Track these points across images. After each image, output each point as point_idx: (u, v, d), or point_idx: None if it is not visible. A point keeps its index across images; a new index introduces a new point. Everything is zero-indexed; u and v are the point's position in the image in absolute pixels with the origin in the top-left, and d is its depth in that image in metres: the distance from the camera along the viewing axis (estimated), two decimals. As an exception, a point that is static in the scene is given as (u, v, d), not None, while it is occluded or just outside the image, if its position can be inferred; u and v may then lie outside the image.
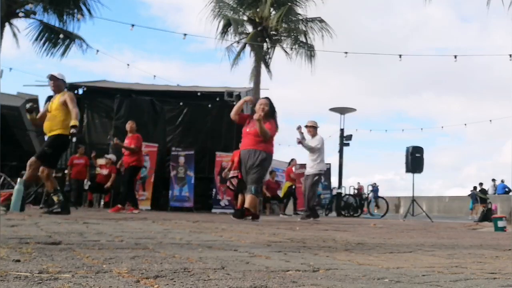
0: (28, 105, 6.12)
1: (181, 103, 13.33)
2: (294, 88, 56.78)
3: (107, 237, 2.72)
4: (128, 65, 19.39)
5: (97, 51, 13.99)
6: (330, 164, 14.88)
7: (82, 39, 14.02)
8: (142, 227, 3.87)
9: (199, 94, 12.97)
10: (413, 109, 60.58)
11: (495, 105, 50.69)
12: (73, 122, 5.74)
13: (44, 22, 13.87)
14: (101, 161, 10.95)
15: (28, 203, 8.85)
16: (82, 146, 10.79)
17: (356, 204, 13.84)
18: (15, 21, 13.88)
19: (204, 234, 3.30)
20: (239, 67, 17.95)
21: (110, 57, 62.91)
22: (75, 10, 13.77)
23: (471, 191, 17.36)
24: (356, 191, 14.42)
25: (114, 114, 11.71)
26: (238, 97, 12.64)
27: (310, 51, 15.63)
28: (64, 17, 13.87)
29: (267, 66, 16.13)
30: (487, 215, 11.11)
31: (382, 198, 15.07)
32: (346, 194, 14.43)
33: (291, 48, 15.90)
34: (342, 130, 14.42)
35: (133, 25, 11.82)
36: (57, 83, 5.95)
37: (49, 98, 6.05)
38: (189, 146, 12.60)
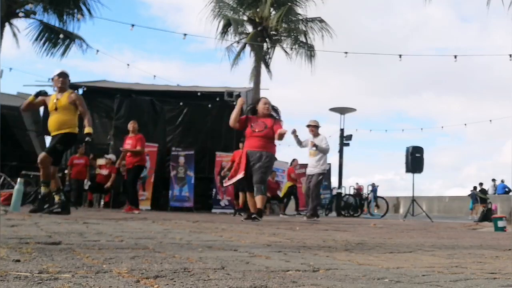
0: (42, 91, 5.99)
1: (181, 103, 13.33)
2: (294, 88, 56.76)
3: (107, 237, 2.72)
4: (128, 65, 19.43)
5: (97, 51, 14.02)
6: (330, 164, 14.88)
7: (82, 39, 14.04)
8: (142, 227, 3.87)
9: (199, 94, 12.97)
10: (413, 109, 60.56)
11: (495, 105, 50.68)
12: (88, 129, 5.86)
13: (44, 22, 13.88)
14: (101, 161, 10.95)
15: (28, 203, 8.85)
16: (82, 146, 10.78)
17: (356, 204, 13.84)
18: (15, 21, 13.90)
19: (204, 234, 3.31)
20: (239, 67, 17.97)
21: (110, 57, 62.92)
22: (75, 10, 13.77)
23: (471, 191, 17.36)
24: (355, 191, 14.42)
25: (114, 114, 11.70)
26: (238, 97, 12.64)
27: (310, 51, 15.64)
28: (64, 17, 13.87)
29: (267, 66, 16.14)
30: (487, 215, 11.11)
31: (382, 198, 15.07)
32: (346, 194, 14.42)
33: (291, 48, 15.91)
34: (342, 130, 14.42)
35: (133, 25, 11.83)
36: (65, 81, 5.97)
37: (38, 94, 5.92)
38: (189, 146, 12.60)
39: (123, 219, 5.03)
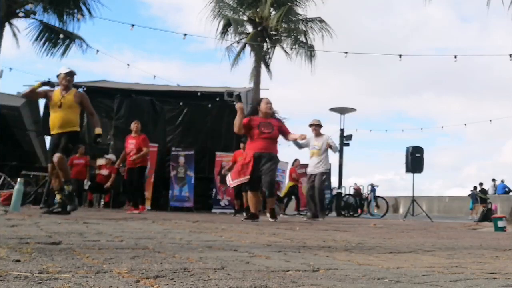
0: (50, 81, 5.91)
1: (181, 103, 13.33)
2: (294, 88, 56.77)
3: (107, 237, 2.72)
4: (128, 65, 19.42)
5: (97, 51, 14.01)
6: (330, 164, 14.87)
7: (82, 39, 14.03)
8: (142, 227, 3.87)
9: (199, 94, 12.97)
10: (413, 109, 60.57)
11: (495, 105, 50.68)
12: (99, 130, 5.91)
13: (44, 22, 13.87)
14: (101, 161, 10.95)
15: (28, 203, 8.86)
16: (82, 146, 10.79)
17: (356, 204, 13.84)
18: (15, 21, 13.89)
19: (204, 234, 3.31)
20: (239, 67, 17.96)
21: (110, 57, 62.93)
22: (75, 10, 13.77)
23: (471, 191, 17.36)
24: (355, 191, 14.43)
25: (114, 114, 11.71)
26: (238, 97, 12.63)
27: (310, 51, 15.64)
28: (64, 17, 13.87)
29: (267, 66, 16.13)
30: (487, 215, 11.11)
31: (382, 198, 15.07)
32: (346, 194, 14.42)
33: (291, 48, 15.90)
34: (342, 130, 14.43)
35: (133, 25, 11.83)
36: (72, 80, 5.99)
37: (45, 83, 5.84)
38: (189, 146, 12.60)
39: (123, 219, 5.03)
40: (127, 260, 1.74)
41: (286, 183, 13.62)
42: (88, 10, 13.76)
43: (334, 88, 57.97)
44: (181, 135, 13.51)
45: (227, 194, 12.10)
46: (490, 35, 53.57)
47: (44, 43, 13.85)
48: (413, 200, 10.79)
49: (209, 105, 12.99)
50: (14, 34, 14.05)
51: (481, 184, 17.25)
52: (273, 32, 15.62)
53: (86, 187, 10.83)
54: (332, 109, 14.48)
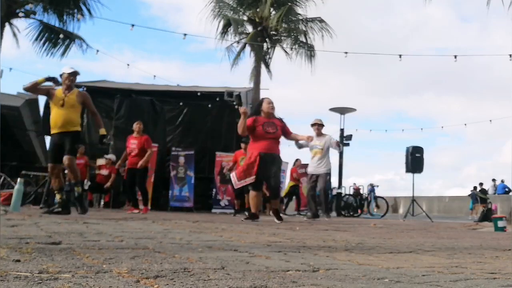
0: (55, 78, 5.84)
1: (181, 103, 13.33)
2: (294, 88, 56.77)
3: (107, 237, 2.72)
4: (128, 65, 19.43)
5: (97, 51, 14.02)
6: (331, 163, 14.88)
7: (82, 39, 14.04)
8: (142, 227, 3.87)
9: (199, 94, 12.96)
10: (413, 109, 60.58)
11: (495, 105, 50.69)
12: (103, 131, 5.96)
13: (44, 22, 13.88)
14: (101, 161, 10.95)
15: (28, 203, 8.85)
16: (82, 146, 10.78)
17: (356, 204, 13.84)
18: (15, 21, 13.90)
19: (204, 234, 3.31)
20: (239, 67, 17.97)
21: (110, 57, 62.94)
22: (75, 10, 13.77)
23: (471, 191, 17.36)
24: (354, 191, 14.43)
25: (114, 114, 11.71)
26: (238, 97, 12.64)
27: (310, 51, 15.64)
28: (64, 17, 13.88)
29: (267, 66, 16.14)
30: (487, 215, 11.11)
31: (382, 198, 15.07)
32: (346, 194, 14.42)
33: (291, 48, 15.91)
34: (342, 130, 14.42)
35: (133, 25, 11.83)
36: (75, 80, 5.99)
37: (50, 79, 5.81)
38: (189, 146, 12.60)
39: (123, 219, 5.03)
40: (127, 260, 1.74)
41: (287, 183, 13.61)
42: (88, 10, 13.78)
43: (334, 88, 57.99)
44: (181, 135, 13.51)
45: (227, 194, 12.10)
46: (490, 35, 53.59)
47: (44, 43, 13.86)
48: (413, 200, 10.79)
49: (209, 105, 12.99)
50: (14, 34, 14.07)
51: (481, 184, 17.26)
52: (273, 32, 15.62)
53: (86, 187, 10.81)
54: (332, 109, 14.48)
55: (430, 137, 59.43)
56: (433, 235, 4.43)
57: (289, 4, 15.13)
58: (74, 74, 5.89)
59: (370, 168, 53.79)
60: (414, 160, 10.53)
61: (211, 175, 12.38)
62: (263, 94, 14.47)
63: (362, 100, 57.57)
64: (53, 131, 5.83)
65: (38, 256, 1.74)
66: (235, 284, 1.31)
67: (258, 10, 15.45)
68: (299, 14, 15.71)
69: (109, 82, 15.00)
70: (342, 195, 14.08)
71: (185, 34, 12.50)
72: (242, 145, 9.65)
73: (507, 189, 19.47)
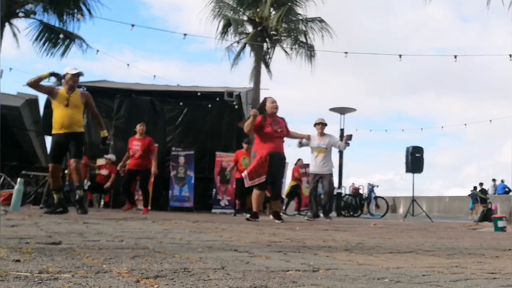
0: (60, 75, 5.79)
1: (181, 103, 13.33)
2: (294, 88, 56.73)
3: (107, 237, 2.72)
4: (128, 65, 19.44)
5: (97, 51, 14.02)
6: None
7: (82, 39, 14.04)
8: (142, 227, 3.87)
9: (199, 94, 12.96)
10: (413, 109, 60.59)
11: (495, 105, 50.69)
12: (105, 133, 6.04)
13: (44, 22, 13.88)
14: (100, 161, 10.94)
15: (28, 203, 8.85)
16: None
17: (356, 204, 13.84)
18: (15, 21, 13.90)
19: (204, 234, 3.31)
20: (239, 67, 17.97)
21: (110, 57, 62.96)
22: (75, 10, 13.77)
23: (471, 191, 17.36)
24: (354, 191, 14.43)
25: (114, 114, 11.70)
26: (238, 97, 12.64)
27: (310, 51, 15.64)
28: (64, 17, 13.88)
29: (267, 66, 16.14)
30: (487, 215, 11.11)
31: (382, 198, 15.07)
32: (346, 194, 14.42)
33: (291, 48, 15.91)
34: (342, 130, 14.41)
35: (133, 25, 11.84)
36: (78, 80, 6.00)
37: (55, 75, 5.70)
38: (189, 146, 12.59)
39: (123, 219, 5.03)
40: (127, 260, 1.74)
41: (288, 182, 13.60)
42: (88, 10, 13.78)
43: (334, 88, 58.00)
44: (181, 135, 13.50)
45: (227, 194, 12.10)
46: (490, 35, 53.58)
47: (44, 43, 13.86)
48: (413, 200, 10.79)
49: (209, 105, 12.98)
50: (14, 34, 14.07)
51: (481, 184, 17.26)
52: (273, 32, 15.62)
53: (85, 187, 10.81)
54: (332, 109, 14.47)
55: (430, 137, 59.45)
56: (433, 235, 4.43)
57: (289, 4, 15.13)
58: (78, 75, 5.89)
59: (370, 168, 53.81)
60: (414, 160, 10.53)
61: (211, 175, 12.37)
62: (263, 94, 14.47)
63: (362, 100, 57.59)
64: (56, 131, 5.78)
65: (38, 256, 1.74)
66: (235, 284, 1.31)
67: (258, 10, 15.45)
68: (299, 14, 15.72)
69: (109, 82, 15.00)
70: (342, 195, 14.08)
71: (185, 34, 12.51)
72: (244, 145, 9.64)
73: (507, 189, 19.47)
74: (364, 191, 14.70)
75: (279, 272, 1.60)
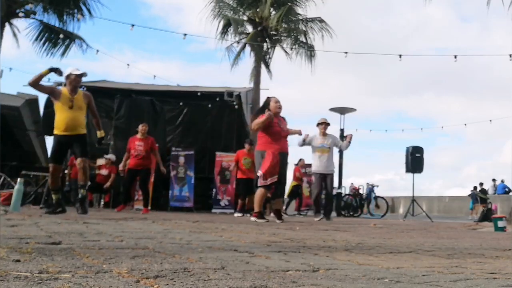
0: (59, 69, 5.71)
1: (181, 103, 13.32)
2: (294, 88, 56.75)
3: (107, 237, 2.72)
4: (128, 65, 19.45)
5: (97, 51, 14.02)
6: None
7: (82, 39, 14.03)
8: (142, 227, 3.87)
9: (199, 94, 12.96)
10: (413, 109, 60.64)
11: (495, 105, 50.73)
12: (102, 133, 6.08)
13: (44, 22, 13.88)
14: (100, 161, 10.94)
15: (28, 203, 8.85)
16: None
17: (356, 204, 13.84)
18: (15, 21, 13.90)
19: (204, 234, 3.31)
20: (239, 67, 17.96)
21: (110, 57, 63.00)
22: (75, 10, 13.77)
23: (471, 191, 17.36)
24: (354, 191, 14.43)
25: (114, 114, 11.70)
26: (238, 97, 12.64)
27: (310, 51, 15.64)
28: (64, 17, 13.87)
29: (267, 66, 16.13)
30: (487, 215, 11.11)
31: (382, 198, 15.07)
32: (346, 194, 14.42)
33: (291, 48, 15.91)
34: (342, 130, 14.40)
35: (133, 25, 11.83)
36: (81, 81, 6.00)
37: (54, 70, 5.62)
38: (189, 146, 12.59)
39: (123, 219, 5.03)
40: (127, 260, 1.74)
41: (289, 182, 13.59)
42: (88, 10, 13.77)
43: (334, 88, 58.04)
44: (181, 135, 13.50)
45: (227, 194, 12.10)
46: (490, 35, 53.62)
47: (44, 43, 13.85)
48: (413, 200, 10.79)
49: (209, 105, 12.98)
50: (14, 34, 14.07)
51: (481, 184, 17.25)
52: (273, 32, 15.62)
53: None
54: (332, 109, 14.47)
55: (430, 137, 59.50)
56: (433, 235, 4.43)
57: (289, 4, 15.12)
58: (82, 75, 5.89)
59: (370, 168, 53.84)
60: (414, 160, 10.53)
61: (211, 175, 12.37)
62: (263, 94, 14.47)
63: (362, 100, 57.63)
64: (59, 132, 5.75)
65: (38, 256, 1.74)
66: (235, 284, 1.31)
67: (258, 10, 15.44)
68: (299, 14, 15.71)
69: (109, 82, 15.00)
70: (342, 195, 14.09)
71: (185, 34, 12.51)
72: (247, 145, 9.62)
73: (507, 189, 19.46)
74: (363, 191, 14.71)
75: (279, 272, 1.60)
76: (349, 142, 8.22)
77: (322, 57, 31.99)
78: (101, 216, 5.63)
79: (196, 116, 13.26)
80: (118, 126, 11.41)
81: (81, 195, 5.87)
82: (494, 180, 20.37)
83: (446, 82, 53.03)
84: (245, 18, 15.97)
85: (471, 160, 58.01)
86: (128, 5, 46.08)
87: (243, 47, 16.02)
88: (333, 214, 13.66)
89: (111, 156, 10.69)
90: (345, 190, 14.92)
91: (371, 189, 14.79)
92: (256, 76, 15.23)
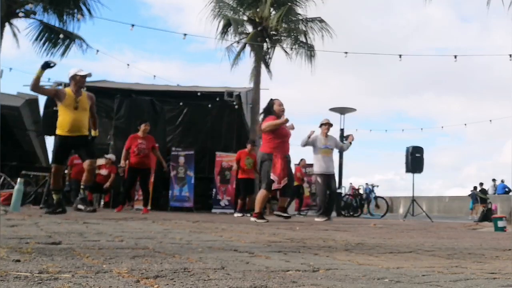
0: (49, 63, 5.57)
1: (181, 103, 13.33)
2: (294, 88, 56.74)
3: (107, 237, 2.72)
4: (128, 65, 19.42)
5: (97, 51, 13.98)
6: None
7: (82, 39, 14.01)
8: (142, 227, 3.87)
9: (199, 94, 12.96)
10: (413, 109, 60.65)
11: (495, 105, 50.73)
12: (97, 133, 6.04)
13: (44, 22, 13.86)
14: (100, 161, 10.94)
15: (28, 203, 8.85)
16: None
17: (356, 204, 13.84)
18: (15, 21, 13.88)
19: (204, 234, 3.31)
20: (239, 67, 17.92)
21: (110, 57, 62.98)
22: (75, 10, 13.76)
23: (471, 191, 17.35)
24: (355, 192, 14.43)
25: (114, 114, 11.70)
26: (238, 97, 12.63)
27: (310, 51, 15.62)
28: (64, 17, 13.86)
29: (267, 66, 16.11)
30: (487, 215, 11.11)
31: (382, 198, 15.07)
32: (346, 194, 14.42)
33: (291, 48, 15.89)
34: (342, 130, 14.42)
35: (133, 25, 11.82)
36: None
37: (47, 66, 5.52)
38: (189, 146, 12.60)
39: (123, 219, 5.03)
40: (127, 260, 1.74)
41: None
42: (88, 10, 13.75)
43: (334, 88, 58.05)
44: (181, 135, 13.51)
45: (227, 194, 12.10)
46: (490, 35, 53.63)
47: (44, 43, 13.83)
48: (413, 200, 10.79)
49: (209, 105, 12.98)
50: (14, 34, 14.05)
51: (481, 184, 17.25)
52: (273, 32, 15.60)
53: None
54: (332, 109, 14.48)
55: (430, 137, 59.50)
56: (433, 235, 4.42)
57: (289, 4, 15.11)
58: (87, 76, 5.90)
59: (370, 168, 53.85)
60: (414, 160, 10.53)
61: (211, 175, 12.38)
62: (263, 94, 14.47)
63: (362, 100, 57.64)
64: (63, 133, 5.73)
65: (38, 256, 1.74)
66: (235, 284, 1.31)
67: (258, 10, 15.43)
68: (299, 14, 15.69)
69: (109, 82, 15.00)
70: (342, 195, 14.09)
71: (185, 34, 12.49)
72: (249, 146, 9.61)
73: (507, 189, 19.46)
74: (362, 191, 14.71)
75: (279, 272, 1.60)
76: (350, 143, 8.27)
77: (322, 57, 32.03)
78: (101, 216, 5.63)
79: (196, 116, 13.26)
80: (118, 126, 11.41)
81: (84, 195, 5.89)
82: (494, 180, 20.38)
83: (446, 82, 53.06)
84: (245, 18, 15.95)
85: (471, 160, 58.06)
86: (128, 5, 46.08)
87: (243, 47, 16.00)
88: (333, 214, 13.69)
89: (111, 156, 10.69)
90: (345, 190, 14.93)
91: (370, 189, 14.78)
92: (256, 76, 15.21)
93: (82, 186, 5.91)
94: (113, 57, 61.84)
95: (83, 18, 13.64)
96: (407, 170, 10.64)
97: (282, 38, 16.17)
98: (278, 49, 16.17)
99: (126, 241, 2.53)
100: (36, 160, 15.21)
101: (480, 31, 57.93)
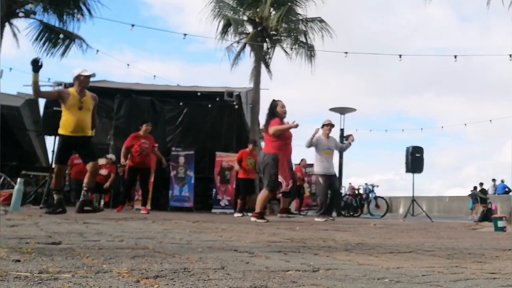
0: (36, 60, 5.49)
1: (181, 103, 13.32)
2: (294, 88, 56.75)
3: (107, 237, 2.72)
4: (128, 65, 19.42)
5: (97, 51, 13.97)
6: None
7: (82, 39, 14.01)
8: (142, 227, 3.87)
9: (199, 94, 12.96)
10: (413, 109, 60.66)
11: (495, 105, 50.73)
12: (93, 133, 6.01)
13: (44, 22, 13.86)
14: (100, 161, 10.93)
15: (28, 203, 8.85)
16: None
17: (356, 204, 13.84)
18: (15, 21, 13.87)
19: (204, 234, 3.31)
20: (239, 67, 17.90)
21: (110, 57, 62.94)
22: (75, 10, 13.75)
23: (471, 191, 17.35)
24: (355, 192, 14.42)
25: (114, 114, 11.70)
26: (238, 97, 12.63)
27: (310, 51, 15.61)
28: (64, 17, 13.85)
29: (267, 66, 16.11)
30: (487, 215, 11.10)
31: (382, 198, 15.07)
32: (346, 194, 14.41)
33: (291, 48, 15.88)
34: (342, 130, 14.40)
35: (133, 25, 11.81)
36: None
37: (38, 67, 5.51)
38: (189, 146, 12.60)
39: (123, 219, 5.04)
40: (127, 260, 1.74)
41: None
42: (88, 10, 13.74)
43: (334, 88, 58.07)
44: (181, 135, 13.51)
45: (227, 194, 12.10)
46: (490, 35, 53.64)
47: (44, 43, 13.82)
48: (413, 200, 10.78)
49: (209, 105, 12.98)
50: (14, 34, 14.04)
51: (481, 184, 17.24)
52: (273, 32, 15.60)
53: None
54: (332, 109, 14.46)
55: (430, 137, 59.52)
56: (433, 235, 4.42)
57: (289, 4, 15.10)
58: (91, 76, 5.91)
59: (370, 168, 53.85)
60: (414, 160, 10.52)
61: (211, 175, 12.38)
62: (263, 94, 14.46)
63: (362, 100, 57.66)
64: (67, 133, 5.71)
65: (38, 256, 1.74)
66: (235, 284, 1.31)
67: (258, 10, 15.43)
68: (299, 14, 15.68)
69: (109, 82, 14.99)
70: (342, 195, 14.08)
71: (185, 34, 12.48)
72: (250, 146, 9.60)
73: (507, 189, 19.46)
74: (361, 191, 14.70)
75: (279, 272, 1.60)
76: (350, 143, 8.29)
77: (322, 57, 32.03)
78: (101, 216, 5.63)
79: (196, 116, 13.26)
80: (118, 126, 11.41)
81: (85, 197, 5.90)
82: (494, 180, 20.37)
83: (446, 82, 53.07)
84: (245, 18, 15.95)
85: (471, 160, 58.06)
86: (128, 5, 46.07)
87: (243, 47, 15.99)
88: (334, 214, 13.69)
89: (111, 156, 10.69)
90: (345, 190, 14.92)
91: (370, 189, 14.78)
92: (256, 76, 15.21)
93: (85, 188, 5.90)
94: (113, 57, 61.83)
95: (83, 18, 13.64)
96: (407, 170, 10.64)
97: (282, 38, 16.17)
98: (278, 49, 16.17)
99: (126, 241, 2.53)
100: (36, 160, 15.20)
101: (480, 31, 57.96)
